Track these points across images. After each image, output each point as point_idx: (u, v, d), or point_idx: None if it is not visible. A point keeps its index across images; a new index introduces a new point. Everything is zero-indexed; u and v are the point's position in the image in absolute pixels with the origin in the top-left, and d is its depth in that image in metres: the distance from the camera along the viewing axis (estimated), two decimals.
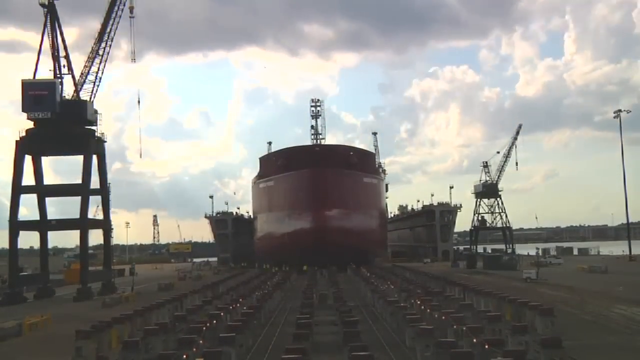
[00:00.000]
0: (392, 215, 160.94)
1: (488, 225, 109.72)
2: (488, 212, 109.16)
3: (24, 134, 54.43)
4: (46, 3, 55.16)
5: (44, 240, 58.14)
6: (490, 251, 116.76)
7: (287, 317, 33.05)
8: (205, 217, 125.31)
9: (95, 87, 56.92)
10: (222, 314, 28.19)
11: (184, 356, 18.68)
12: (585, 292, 40.12)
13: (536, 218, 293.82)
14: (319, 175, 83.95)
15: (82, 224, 54.67)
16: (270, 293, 40.98)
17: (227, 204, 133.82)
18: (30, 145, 54.50)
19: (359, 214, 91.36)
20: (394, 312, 29.19)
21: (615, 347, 22.89)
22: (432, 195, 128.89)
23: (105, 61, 56.99)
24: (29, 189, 56.29)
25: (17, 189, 53.98)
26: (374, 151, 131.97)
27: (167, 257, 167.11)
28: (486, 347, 17.85)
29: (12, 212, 53.61)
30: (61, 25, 56.22)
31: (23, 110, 54.40)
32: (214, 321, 25.54)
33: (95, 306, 43.99)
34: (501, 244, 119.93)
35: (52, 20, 55.32)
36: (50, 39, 55.48)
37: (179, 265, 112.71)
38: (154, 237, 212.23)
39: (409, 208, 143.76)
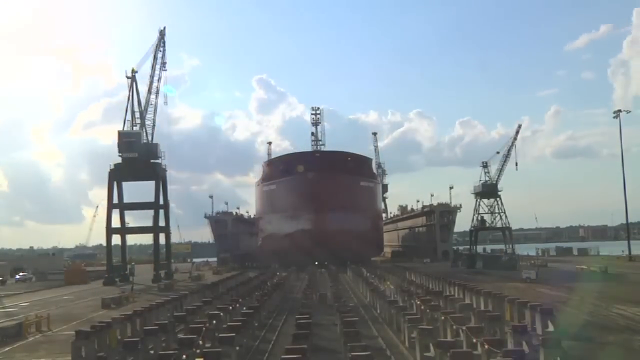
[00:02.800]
0: (392, 215, 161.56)
1: (488, 225, 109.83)
2: (488, 212, 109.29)
3: (112, 167, 76.73)
4: (130, 75, 76.22)
5: (123, 241, 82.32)
6: (490, 251, 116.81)
7: (286, 317, 33.05)
8: (205, 217, 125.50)
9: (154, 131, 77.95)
10: (222, 314, 28.14)
11: (184, 356, 18.65)
12: (585, 292, 40.16)
13: (536, 218, 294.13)
14: (319, 179, 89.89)
15: (154, 229, 78.38)
16: (270, 293, 41.00)
17: (227, 203, 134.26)
18: (117, 175, 76.63)
19: (356, 216, 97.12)
20: (393, 312, 29.18)
21: (615, 347, 22.90)
22: (432, 195, 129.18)
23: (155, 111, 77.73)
24: (116, 205, 77.23)
25: (110, 205, 76.47)
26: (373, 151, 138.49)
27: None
28: (486, 347, 17.83)
29: (108, 221, 76.28)
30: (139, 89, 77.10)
31: (119, 152, 75.60)
32: (214, 321, 25.55)
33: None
34: (501, 244, 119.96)
35: (133, 87, 76.49)
36: (131, 100, 76.39)
37: (179, 266, 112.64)
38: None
39: (409, 208, 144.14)
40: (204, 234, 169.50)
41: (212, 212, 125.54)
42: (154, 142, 78.04)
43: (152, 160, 77.44)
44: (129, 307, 39.31)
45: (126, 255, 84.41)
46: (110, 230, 76.69)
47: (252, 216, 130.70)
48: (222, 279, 62.66)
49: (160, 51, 76.15)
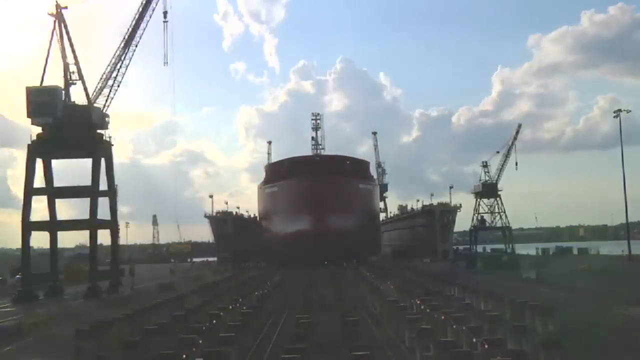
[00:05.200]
0: (392, 215, 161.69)
1: (488, 225, 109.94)
2: (488, 212, 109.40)
3: (35, 139, 56.59)
4: (54, 13, 56.51)
5: (54, 240, 60.39)
6: (490, 251, 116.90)
7: (286, 317, 33.07)
8: (205, 216, 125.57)
9: (113, 91, 58.23)
10: (222, 313, 28.15)
11: (184, 356, 18.65)
12: (585, 292, 40.18)
13: (536, 218, 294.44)
14: (319, 182, 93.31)
15: (91, 224, 56.96)
16: (270, 293, 41.08)
17: (227, 203, 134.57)
18: (41, 149, 56.60)
19: (355, 217, 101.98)
20: (394, 312, 29.19)
21: (615, 347, 22.92)
22: (432, 195, 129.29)
23: (127, 67, 58.62)
24: (39, 191, 58.29)
25: (29, 191, 56.04)
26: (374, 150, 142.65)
27: (167, 257, 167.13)
28: (486, 347, 17.84)
29: (25, 213, 55.66)
30: (69, 32, 57.30)
31: (27, 116, 55.54)
32: (214, 321, 25.56)
33: (103, 304, 44.97)
34: (501, 244, 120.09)
35: (60, 28, 56.65)
36: (61, 45, 56.80)
37: (179, 266, 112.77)
38: (154, 237, 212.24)
39: (409, 207, 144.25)
40: (204, 234, 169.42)
41: (212, 211, 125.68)
42: (107, 105, 58.36)
43: (93, 131, 57.96)
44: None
45: (57, 258, 62.19)
46: (27, 225, 55.34)
47: (252, 216, 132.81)
48: (222, 278, 62.69)
49: None
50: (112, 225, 63.41)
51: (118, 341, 23.39)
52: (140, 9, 58.53)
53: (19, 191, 62.53)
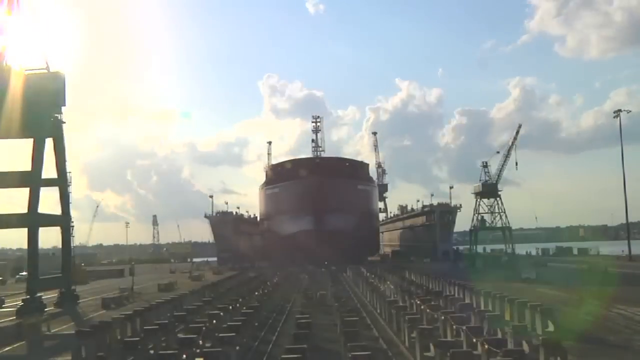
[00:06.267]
0: (392, 215, 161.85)
1: (488, 225, 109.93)
2: (488, 212, 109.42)
3: None
4: None
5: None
6: (490, 251, 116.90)
7: (286, 317, 33.07)
8: (205, 216, 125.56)
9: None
10: (222, 313, 28.15)
11: (184, 356, 18.66)
12: (585, 292, 40.16)
13: (536, 218, 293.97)
14: (319, 183, 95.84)
15: (31, 220, 42.32)
16: (270, 293, 41.08)
17: (227, 203, 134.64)
18: None
19: (353, 217, 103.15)
20: (393, 312, 29.18)
21: (615, 347, 22.92)
22: (432, 194, 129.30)
23: None
24: None
25: None
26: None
27: (167, 257, 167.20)
28: (486, 347, 17.83)
29: None
30: None
31: None
32: (214, 321, 25.55)
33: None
34: (501, 244, 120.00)
35: None
36: None
37: (179, 266, 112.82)
38: (154, 237, 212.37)
39: (409, 207, 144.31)
40: (204, 234, 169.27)
41: (212, 211, 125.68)
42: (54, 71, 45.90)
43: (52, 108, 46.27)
44: None
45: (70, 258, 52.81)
46: None
47: (252, 216, 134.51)
48: (220, 279, 62.64)
49: None
50: (64, 221, 49.91)
51: (118, 341, 23.44)
52: None
53: None
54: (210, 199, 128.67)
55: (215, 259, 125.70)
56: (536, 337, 20.83)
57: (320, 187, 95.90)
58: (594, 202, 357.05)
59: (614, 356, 21.79)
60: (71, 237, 57.94)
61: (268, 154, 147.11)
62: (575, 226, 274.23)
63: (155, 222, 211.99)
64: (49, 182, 47.51)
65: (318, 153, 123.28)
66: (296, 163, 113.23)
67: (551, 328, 24.16)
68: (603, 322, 28.56)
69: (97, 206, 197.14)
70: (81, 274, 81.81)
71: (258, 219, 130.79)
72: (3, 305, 46.87)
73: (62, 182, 49.26)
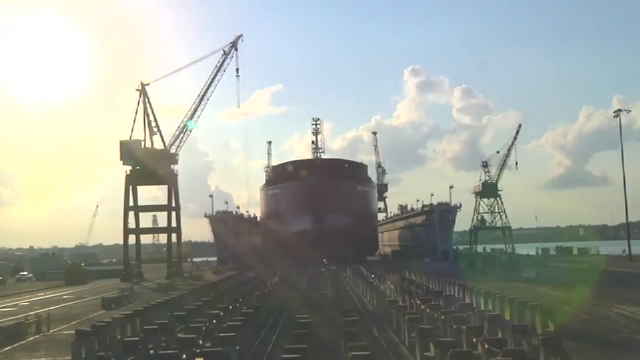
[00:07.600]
0: (392, 215, 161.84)
1: (488, 224, 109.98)
2: (488, 212, 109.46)
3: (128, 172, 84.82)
4: (140, 88, 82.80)
5: (137, 241, 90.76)
6: (490, 251, 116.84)
7: (286, 317, 33.06)
8: (205, 216, 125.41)
9: (182, 138, 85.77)
10: (222, 313, 28.13)
11: (184, 356, 18.63)
12: (584, 292, 40.17)
13: (536, 218, 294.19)
14: (319, 184, 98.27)
15: (168, 229, 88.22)
16: (270, 293, 41.06)
17: (226, 203, 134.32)
18: (132, 180, 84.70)
19: (353, 217, 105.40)
20: (393, 312, 29.19)
21: (615, 347, 22.91)
22: (432, 194, 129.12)
23: (199, 117, 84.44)
24: (132, 208, 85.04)
25: (126, 208, 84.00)
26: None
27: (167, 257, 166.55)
28: (486, 347, 17.82)
29: (125, 222, 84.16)
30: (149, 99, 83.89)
31: (120, 159, 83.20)
32: (214, 321, 25.52)
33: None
34: (501, 244, 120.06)
35: (144, 98, 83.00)
36: (144, 110, 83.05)
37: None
38: (154, 237, 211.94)
39: (409, 207, 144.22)
40: (204, 234, 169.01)
41: (212, 211, 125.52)
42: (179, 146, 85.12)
43: (172, 166, 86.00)
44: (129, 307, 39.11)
45: (140, 254, 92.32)
46: (127, 231, 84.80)
47: (252, 215, 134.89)
48: (221, 278, 62.76)
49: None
50: (178, 230, 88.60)
51: (118, 341, 23.44)
52: (215, 72, 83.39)
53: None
54: (211, 198, 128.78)
55: (215, 258, 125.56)
56: (536, 337, 20.81)
57: (320, 187, 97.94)
58: (594, 202, 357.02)
59: (614, 356, 21.80)
60: (181, 239, 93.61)
61: (268, 153, 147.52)
62: (575, 226, 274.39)
63: (155, 222, 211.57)
64: (172, 209, 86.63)
65: (318, 154, 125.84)
66: (296, 164, 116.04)
67: (551, 328, 24.14)
68: (603, 322, 28.56)
69: (97, 206, 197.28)
70: (81, 274, 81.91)
71: (258, 219, 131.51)
72: None
73: (177, 209, 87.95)
